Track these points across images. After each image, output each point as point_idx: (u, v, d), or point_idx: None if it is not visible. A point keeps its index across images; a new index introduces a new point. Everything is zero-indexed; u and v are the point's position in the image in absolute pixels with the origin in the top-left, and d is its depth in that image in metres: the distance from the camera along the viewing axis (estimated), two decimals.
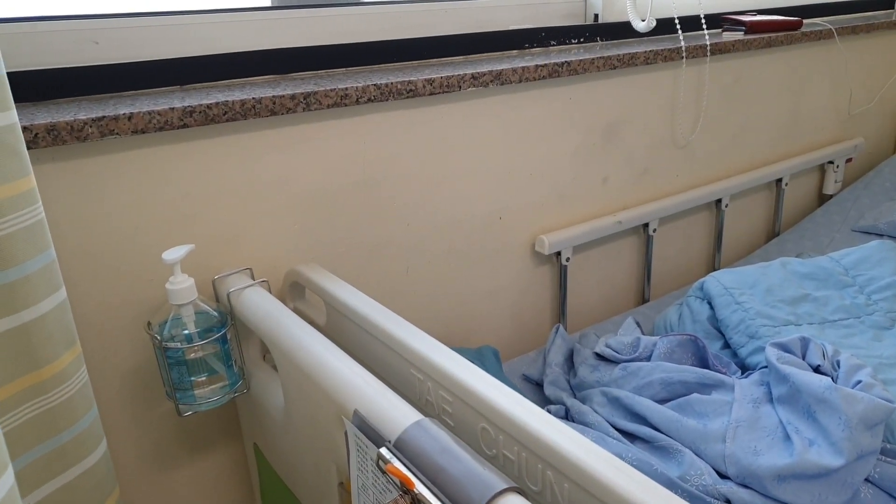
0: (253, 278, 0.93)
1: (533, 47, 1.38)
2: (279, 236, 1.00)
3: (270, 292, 0.86)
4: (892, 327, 1.13)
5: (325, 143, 1.01)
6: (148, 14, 0.98)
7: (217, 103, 0.88)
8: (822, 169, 1.89)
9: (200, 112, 0.87)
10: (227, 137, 0.92)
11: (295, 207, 1.00)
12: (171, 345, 0.75)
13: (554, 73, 1.20)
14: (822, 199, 1.92)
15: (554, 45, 1.42)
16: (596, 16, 1.50)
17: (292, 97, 0.93)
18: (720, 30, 1.67)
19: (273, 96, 0.92)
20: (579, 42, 1.45)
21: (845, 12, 2.10)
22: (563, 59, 1.21)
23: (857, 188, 1.85)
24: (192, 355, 0.76)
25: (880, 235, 1.64)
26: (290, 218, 1.00)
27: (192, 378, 0.76)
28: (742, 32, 1.60)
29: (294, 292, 0.98)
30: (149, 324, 0.80)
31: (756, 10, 1.79)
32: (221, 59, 1.02)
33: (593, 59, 1.24)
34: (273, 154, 0.97)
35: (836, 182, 1.88)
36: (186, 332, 0.76)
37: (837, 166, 1.86)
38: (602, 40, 1.48)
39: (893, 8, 2.22)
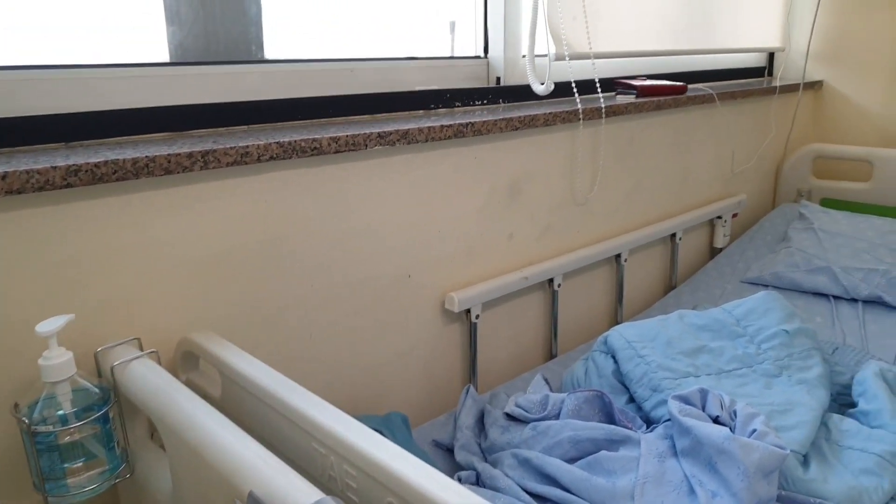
0: (141, 349, 0.87)
1: (439, 108, 1.41)
2: (172, 302, 0.94)
3: (160, 364, 0.81)
4: (781, 375, 1.18)
5: (225, 203, 0.97)
6: (32, 67, 0.92)
7: (106, 161, 0.83)
8: (711, 223, 2.00)
9: (87, 171, 0.81)
10: (117, 198, 0.87)
11: (190, 271, 0.95)
12: (42, 429, 0.68)
13: (459, 133, 1.22)
14: (714, 251, 2.03)
15: (459, 105, 1.44)
16: (498, 79, 1.55)
17: (189, 155, 0.90)
18: (614, 93, 1.76)
19: (168, 154, 0.88)
20: (482, 104, 1.49)
21: (726, 78, 2.27)
22: (468, 120, 1.24)
23: (743, 241, 1.98)
24: (67, 439, 0.69)
25: (766, 286, 1.75)
26: (184, 282, 0.95)
27: (66, 465, 0.69)
28: (634, 96, 1.70)
29: (186, 363, 0.92)
30: (16, 405, 0.72)
31: (646, 74, 1.91)
32: (112, 116, 0.97)
33: (496, 120, 1.27)
34: (168, 215, 0.92)
35: (724, 236, 1.99)
36: (61, 412, 0.69)
37: (725, 221, 1.98)
38: (504, 102, 1.53)
39: (765, 76, 2.43)
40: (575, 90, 1.49)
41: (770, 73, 2.46)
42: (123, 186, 0.87)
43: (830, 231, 1.81)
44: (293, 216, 1.05)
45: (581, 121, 1.46)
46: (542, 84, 1.39)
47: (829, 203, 2.19)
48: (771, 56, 2.46)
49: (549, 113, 1.38)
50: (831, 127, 2.35)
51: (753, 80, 2.32)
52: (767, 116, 2.14)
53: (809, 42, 2.33)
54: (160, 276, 0.92)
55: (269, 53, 1.23)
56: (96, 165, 0.82)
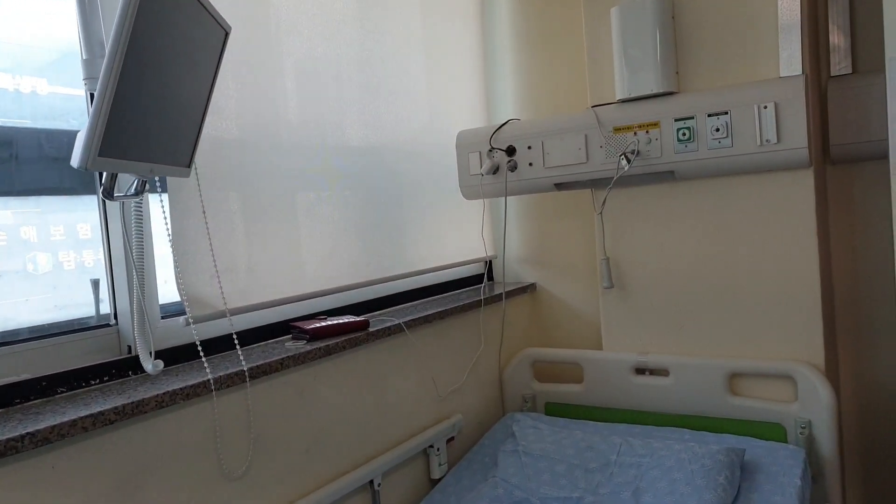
0: None
1: (30, 400, 1.20)
2: None
3: None
4: None
5: None
6: None
7: None
8: (426, 453, 1.88)
9: None
10: None
11: None
12: None
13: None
14: (434, 482, 1.90)
15: (64, 392, 1.25)
16: (129, 347, 1.39)
17: None
18: (291, 336, 1.66)
19: None
20: (102, 382, 1.30)
21: (442, 291, 2.29)
22: (38, 427, 1.03)
23: (460, 468, 1.87)
24: None
25: None
26: None
27: None
28: (306, 340, 1.60)
29: None
30: None
31: (332, 308, 1.84)
32: None
33: (54, 426, 1.06)
34: None
35: (440, 465, 1.88)
36: None
37: (438, 449, 1.87)
38: (135, 374, 1.36)
39: (483, 283, 2.49)
40: (203, 359, 1.35)
41: (491, 278, 2.54)
42: None
43: (534, 454, 1.76)
44: None
45: (214, 392, 1.31)
46: (151, 364, 1.24)
47: (553, 408, 2.18)
48: (489, 263, 2.55)
49: (164, 393, 1.22)
50: (549, 329, 2.43)
51: (464, 290, 2.35)
52: (476, 328, 2.15)
53: (504, 251, 2.45)
54: None
55: None
56: None
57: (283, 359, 1.46)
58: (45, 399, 1.22)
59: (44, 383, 1.23)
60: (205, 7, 1.18)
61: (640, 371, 2.06)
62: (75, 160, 0.89)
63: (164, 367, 1.39)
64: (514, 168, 2.15)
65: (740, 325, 1.93)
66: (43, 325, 1.35)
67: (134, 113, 0.98)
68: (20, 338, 1.28)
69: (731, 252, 1.93)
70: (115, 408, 1.15)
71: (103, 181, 1.06)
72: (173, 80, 1.12)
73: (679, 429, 1.88)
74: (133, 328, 1.25)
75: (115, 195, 1.12)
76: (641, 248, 2.06)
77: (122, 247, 1.36)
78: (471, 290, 2.37)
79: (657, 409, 2.00)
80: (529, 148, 2.11)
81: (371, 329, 1.71)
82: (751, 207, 1.90)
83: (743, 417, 1.87)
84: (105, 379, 1.31)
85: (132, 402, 1.17)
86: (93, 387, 1.29)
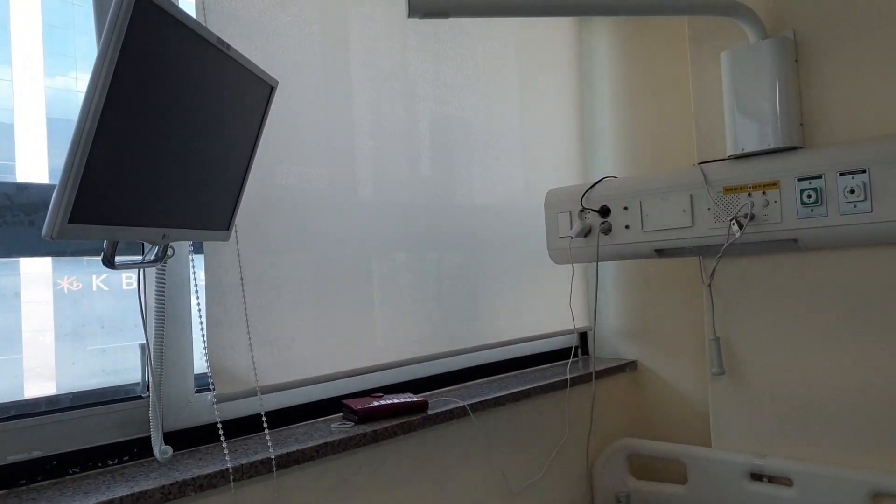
0: None
1: (37, 482, 1.10)
2: None
3: None
4: None
5: None
6: None
7: None
8: None
9: None
10: None
11: None
12: None
13: None
14: None
15: (76, 472, 1.15)
16: None
17: None
18: (340, 415, 1.50)
19: None
20: (120, 463, 1.19)
21: (521, 367, 2.06)
22: None
23: None
24: None
25: None
26: None
27: None
28: (353, 422, 1.43)
29: None
30: None
31: (392, 384, 1.66)
32: None
33: None
34: None
35: None
36: None
37: None
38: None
39: (575, 357, 2.23)
40: (223, 443, 1.21)
41: (586, 352, 2.27)
42: None
43: None
44: None
45: (233, 482, 1.16)
46: (159, 449, 1.11)
47: None
48: (583, 336, 2.29)
49: (172, 483, 1.08)
50: (650, 417, 2.11)
51: (550, 366, 2.09)
52: (560, 412, 1.88)
53: (595, 322, 2.17)
54: None
55: None
56: None
57: (318, 445, 1.29)
58: (52, 480, 1.12)
59: (54, 462, 1.13)
60: (240, 63, 1.08)
61: (757, 477, 1.70)
62: (43, 229, 0.79)
63: (191, 448, 1.27)
64: (607, 231, 1.90)
65: (889, 430, 1.54)
66: (79, 393, 1.28)
67: (128, 171, 0.87)
68: (61, 406, 1.21)
69: (876, 339, 1.57)
70: (110, 501, 1.02)
71: (104, 247, 0.96)
72: (195, 136, 1.02)
73: None
74: (152, 413, 1.13)
75: (126, 262, 1.02)
76: (759, 329, 1.73)
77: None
78: (557, 365, 2.11)
79: None
80: (626, 209, 1.87)
81: (430, 412, 1.51)
82: None
83: None
84: (125, 459, 1.21)
85: (132, 494, 1.04)
86: (108, 468, 1.18)
